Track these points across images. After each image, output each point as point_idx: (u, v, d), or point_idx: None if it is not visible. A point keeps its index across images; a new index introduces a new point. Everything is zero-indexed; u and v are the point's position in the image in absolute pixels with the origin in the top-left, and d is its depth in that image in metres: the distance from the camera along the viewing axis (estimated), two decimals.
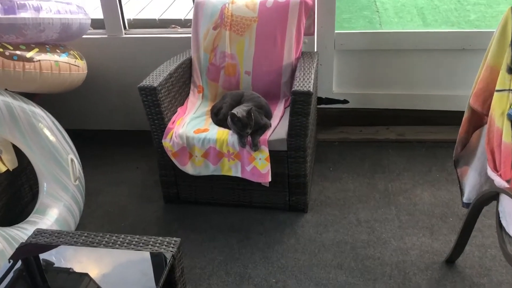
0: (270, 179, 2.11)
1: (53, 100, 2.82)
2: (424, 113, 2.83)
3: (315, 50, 2.70)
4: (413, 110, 2.84)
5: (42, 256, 1.42)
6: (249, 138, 2.08)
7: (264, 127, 2.13)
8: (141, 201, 2.44)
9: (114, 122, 3.05)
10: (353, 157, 2.68)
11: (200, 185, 2.28)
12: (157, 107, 2.10)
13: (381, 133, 2.84)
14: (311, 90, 1.94)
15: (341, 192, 2.38)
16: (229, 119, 2.09)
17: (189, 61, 2.47)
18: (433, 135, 2.79)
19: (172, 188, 2.31)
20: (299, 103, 1.96)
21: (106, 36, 2.76)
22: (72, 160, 2.12)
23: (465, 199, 1.74)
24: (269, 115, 2.24)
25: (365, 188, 2.40)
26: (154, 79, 2.12)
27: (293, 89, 1.96)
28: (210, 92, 2.50)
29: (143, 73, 2.40)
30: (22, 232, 1.90)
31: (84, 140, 2.86)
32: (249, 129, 2.03)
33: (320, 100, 2.87)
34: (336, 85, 2.86)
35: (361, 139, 2.82)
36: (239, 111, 2.07)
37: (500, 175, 1.50)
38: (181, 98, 2.38)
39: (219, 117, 2.26)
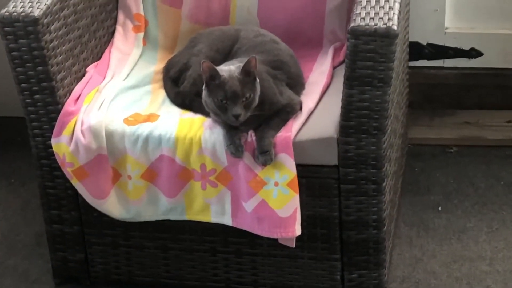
0: (299, 232, 2.12)
1: None
2: None
3: None
4: None
5: None
6: (252, 136, 2.10)
7: (286, 111, 2.14)
8: (4, 279, 2.43)
9: None
10: (492, 181, 2.67)
11: (138, 244, 2.29)
12: (42, 64, 2.11)
13: None
14: (394, 27, 1.94)
15: (463, 262, 2.38)
16: (204, 89, 2.09)
17: None
18: None
19: (75, 250, 2.33)
20: (366, 58, 1.96)
21: None
22: None
23: None
24: (298, 84, 2.26)
25: None
26: (33, 0, 2.10)
27: (351, 24, 1.97)
28: (164, 30, 2.51)
29: None
30: None
31: None
32: (243, 109, 2.03)
33: (418, 51, 2.87)
34: (454, 16, 2.86)
35: (510, 140, 2.83)
36: (226, 68, 2.09)
37: None
38: (95, 43, 2.39)
39: (182, 86, 2.28)
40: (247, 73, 2.04)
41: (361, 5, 2.03)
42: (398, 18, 2.00)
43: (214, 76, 2.04)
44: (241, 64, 2.07)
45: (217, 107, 2.05)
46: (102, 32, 2.43)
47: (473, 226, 2.51)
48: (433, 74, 2.90)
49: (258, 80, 2.07)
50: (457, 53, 2.88)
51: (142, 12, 2.50)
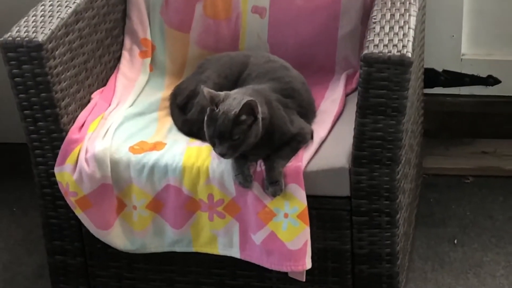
0: (309, 265, 2.11)
1: None
2: None
3: None
4: None
5: None
6: (261, 166, 2.10)
7: (297, 141, 2.15)
8: None
9: None
10: (510, 213, 2.68)
11: (143, 277, 2.29)
12: (45, 91, 2.12)
13: None
14: (408, 55, 1.94)
15: None
16: (206, 115, 2.06)
17: None
18: None
19: (78, 282, 2.33)
20: (380, 86, 1.96)
21: None
22: None
23: None
24: (309, 113, 2.26)
25: None
26: (38, 24, 2.13)
27: (364, 52, 1.97)
28: (172, 56, 2.54)
29: (14, 14, 2.41)
30: None
31: None
32: (230, 149, 2.01)
33: (433, 78, 2.88)
34: (471, 42, 2.87)
35: None
36: (232, 97, 2.05)
37: None
38: (101, 69, 2.40)
39: (189, 114, 2.29)
40: (246, 113, 2.01)
41: (374, 31, 2.04)
42: (413, 45, 2.00)
43: (212, 104, 2.03)
44: (242, 101, 2.01)
45: (208, 140, 2.06)
46: (108, 58, 2.45)
47: (490, 260, 2.50)
48: (449, 102, 2.91)
49: (259, 117, 2.03)
50: (474, 80, 2.88)
51: (149, 37, 2.52)
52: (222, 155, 2.03)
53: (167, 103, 2.38)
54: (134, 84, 2.45)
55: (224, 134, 2.00)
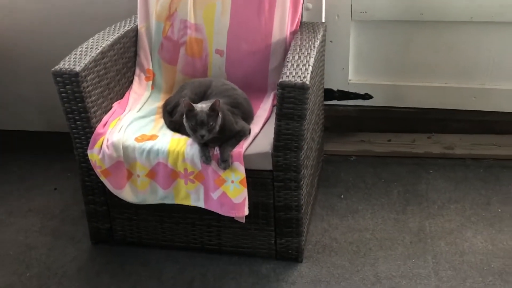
0: (247, 212, 2.12)
1: None
2: (484, 116, 2.83)
3: (323, 20, 2.70)
4: (469, 112, 2.84)
5: None
6: (217, 151, 2.10)
7: (240, 135, 2.14)
8: (58, 240, 2.43)
9: (24, 120, 3.04)
10: (376, 179, 2.69)
11: (144, 218, 2.29)
12: (81, 102, 2.12)
13: (420, 145, 2.85)
14: (307, 82, 1.94)
15: (354, 232, 2.39)
16: (184, 117, 2.08)
17: (134, 34, 2.48)
18: (497, 150, 2.79)
19: (104, 222, 2.32)
20: (289, 102, 1.96)
21: None
22: None
23: None
24: (249, 117, 2.26)
25: (390, 227, 2.40)
26: (77, 59, 2.13)
27: (280, 80, 1.97)
28: (165, 80, 2.52)
29: (66, 51, 2.40)
30: None
31: None
32: (207, 132, 2.03)
33: (331, 95, 2.89)
34: (354, 73, 2.87)
35: (389, 152, 2.83)
36: (200, 105, 2.09)
37: None
38: (119, 88, 2.40)
39: (174, 117, 2.28)
40: (212, 109, 2.04)
41: (287, 67, 2.05)
42: (311, 76, 2.00)
43: (191, 109, 2.04)
44: (209, 104, 2.06)
45: (191, 129, 2.05)
46: (124, 80, 2.42)
47: (362, 209, 2.51)
48: (341, 109, 2.90)
49: (220, 115, 2.06)
50: (357, 96, 2.88)
51: (151, 68, 2.50)
52: (202, 136, 2.03)
53: (161, 110, 2.36)
54: (141, 97, 2.43)
55: (203, 122, 2.02)
